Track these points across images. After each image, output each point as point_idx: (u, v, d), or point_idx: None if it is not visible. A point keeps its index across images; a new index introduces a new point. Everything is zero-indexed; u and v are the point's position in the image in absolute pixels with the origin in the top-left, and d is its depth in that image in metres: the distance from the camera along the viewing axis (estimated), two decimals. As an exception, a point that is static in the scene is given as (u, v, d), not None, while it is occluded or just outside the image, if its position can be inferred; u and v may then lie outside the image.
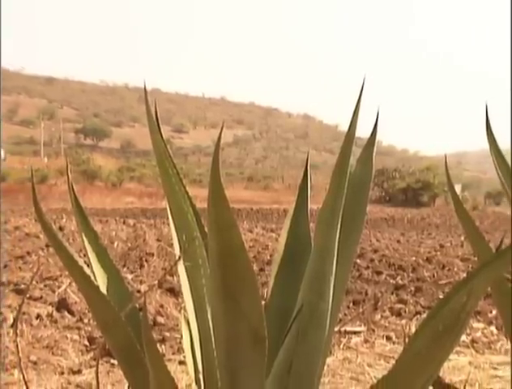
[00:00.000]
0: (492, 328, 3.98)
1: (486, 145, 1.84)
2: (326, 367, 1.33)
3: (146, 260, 6.90)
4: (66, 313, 4.11)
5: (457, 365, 3.12)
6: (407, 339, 3.60)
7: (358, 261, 7.01)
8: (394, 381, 1.04)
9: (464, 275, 6.26)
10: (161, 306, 4.29)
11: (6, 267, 6.26)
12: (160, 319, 3.96)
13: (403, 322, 4.16)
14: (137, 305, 1.28)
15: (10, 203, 23.86)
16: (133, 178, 44.84)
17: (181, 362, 2.97)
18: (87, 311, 3.98)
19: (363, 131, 1.26)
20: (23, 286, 5.02)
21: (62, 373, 2.95)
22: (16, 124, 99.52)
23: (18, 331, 3.44)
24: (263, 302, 1.18)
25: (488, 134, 1.82)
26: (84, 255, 1.32)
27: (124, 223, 14.41)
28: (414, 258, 7.77)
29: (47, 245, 7.60)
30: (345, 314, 4.38)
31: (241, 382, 1.10)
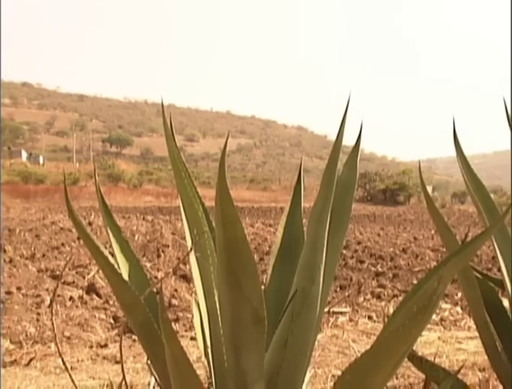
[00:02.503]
0: (458, 308, 3.98)
1: (453, 152, 1.84)
2: (316, 342, 1.33)
3: (162, 251, 6.90)
4: (94, 296, 4.11)
5: (428, 340, 3.12)
6: (386, 319, 3.59)
7: (344, 251, 7.00)
8: (375, 354, 1.04)
9: (435, 263, 6.26)
10: (175, 290, 4.29)
11: (44, 256, 6.26)
12: (175, 301, 3.96)
13: (383, 303, 4.15)
14: (154, 290, 1.28)
15: (48, 201, 23.91)
16: (151, 181, 44.85)
17: (193, 338, 2.97)
18: (112, 294, 3.98)
19: (348, 140, 1.26)
20: (58, 272, 5.03)
21: (91, 346, 2.95)
22: (53, 134, 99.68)
23: (54, 311, 3.44)
24: (263, 287, 1.17)
25: (455, 143, 1.82)
26: (109, 246, 1.32)
27: (143, 219, 14.41)
28: (392, 249, 7.76)
29: (78, 238, 7.60)
30: (333, 297, 4.37)
31: (243, 356, 1.10)
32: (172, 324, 3.33)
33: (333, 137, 1.18)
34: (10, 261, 5.68)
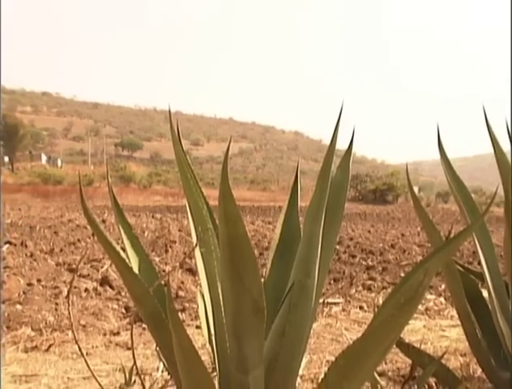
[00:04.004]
0: (442, 299, 3.96)
1: (437, 156, 1.84)
2: (312, 331, 1.32)
3: (170, 246, 6.89)
4: (107, 287, 4.10)
5: (414, 328, 3.11)
6: (376, 309, 3.59)
7: (337, 247, 6.99)
8: (366, 341, 1.04)
9: (421, 258, 6.25)
10: (182, 283, 4.28)
11: (61, 251, 6.26)
12: (181, 293, 3.95)
13: (373, 295, 4.14)
14: (162, 282, 1.28)
15: (65, 201, 23.90)
16: (160, 182, 44.84)
17: (198, 327, 2.96)
18: (123, 286, 3.97)
19: (341, 144, 1.25)
20: (74, 266, 5.02)
21: (105, 334, 2.95)
22: (70, 139, 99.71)
23: (70, 302, 3.44)
24: (263, 280, 1.17)
25: (439, 147, 1.82)
26: (121, 242, 1.32)
27: (152, 217, 14.37)
28: (381, 245, 7.75)
29: (93, 234, 7.59)
30: (327, 289, 4.36)
31: (244, 343, 1.10)
32: (179, 314, 3.33)
33: (327, 141, 1.18)
34: (31, 255, 5.68)
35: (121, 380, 2.05)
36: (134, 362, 1.79)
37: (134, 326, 2.98)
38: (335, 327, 3.12)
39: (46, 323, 2.99)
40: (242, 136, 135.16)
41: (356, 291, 4.29)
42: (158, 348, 1.31)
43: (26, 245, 6.49)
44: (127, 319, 3.27)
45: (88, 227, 8.69)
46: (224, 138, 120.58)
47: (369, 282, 4.64)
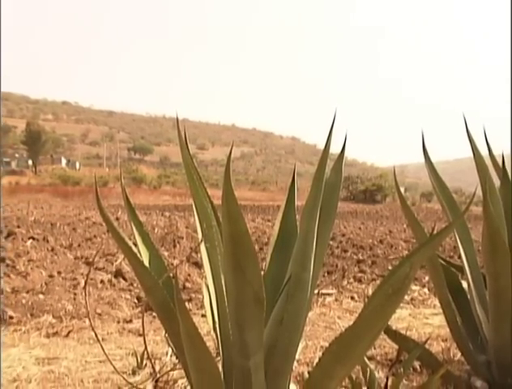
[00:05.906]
0: (425, 290, 3.96)
1: (422, 159, 1.84)
2: (307, 319, 1.32)
3: (177, 242, 6.88)
4: (121, 279, 4.10)
5: (400, 316, 3.11)
6: (366, 299, 3.59)
7: (331, 242, 6.97)
8: (357, 329, 1.03)
9: (407, 252, 6.24)
10: (189, 275, 4.28)
11: (79, 245, 6.26)
12: (188, 285, 3.95)
13: (363, 286, 4.14)
14: (171, 274, 1.27)
15: (83, 200, 23.89)
16: (168, 183, 44.88)
17: (203, 315, 2.95)
18: (135, 278, 3.96)
19: (335, 149, 1.25)
20: (90, 259, 5.02)
21: (119, 322, 2.94)
22: (87, 144, 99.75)
23: (87, 292, 3.44)
24: (262, 273, 1.17)
25: (423, 151, 1.82)
26: (133, 238, 1.31)
27: (162, 215, 14.35)
28: (371, 240, 7.74)
29: (107, 231, 7.58)
30: (321, 281, 4.35)
31: (245, 331, 1.09)
32: (186, 303, 3.33)
33: (322, 146, 1.18)
34: (52, 249, 5.68)
35: (133, 363, 2.05)
36: (145, 347, 1.79)
37: (145, 314, 2.98)
38: (329, 316, 3.12)
39: (66, 311, 2.99)
40: (244, 141, 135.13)
41: (348, 283, 4.29)
42: (167, 335, 1.30)
43: (47, 241, 6.49)
44: (139, 308, 3.26)
45: (103, 224, 8.69)
46: (227, 143, 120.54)
47: (360, 274, 4.63)
